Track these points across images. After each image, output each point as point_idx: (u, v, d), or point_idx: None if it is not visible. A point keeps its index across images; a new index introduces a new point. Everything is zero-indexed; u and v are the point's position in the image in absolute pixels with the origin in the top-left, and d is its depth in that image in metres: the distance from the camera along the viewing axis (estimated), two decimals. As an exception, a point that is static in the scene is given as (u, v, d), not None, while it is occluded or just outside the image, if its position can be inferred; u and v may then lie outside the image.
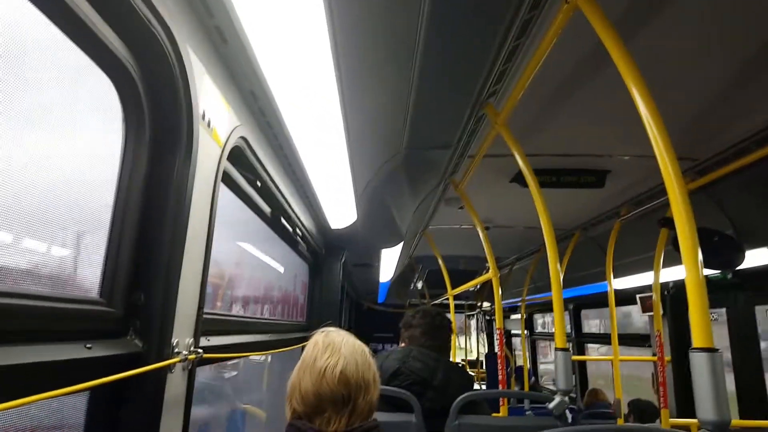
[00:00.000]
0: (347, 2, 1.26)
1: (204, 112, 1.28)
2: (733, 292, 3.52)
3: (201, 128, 1.26)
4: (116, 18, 0.97)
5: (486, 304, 10.56)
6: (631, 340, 5.27)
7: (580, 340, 6.35)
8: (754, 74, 1.91)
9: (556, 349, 2.07)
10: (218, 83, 1.39)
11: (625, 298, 4.42)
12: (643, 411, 3.99)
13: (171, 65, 1.11)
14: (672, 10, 1.57)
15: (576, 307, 6.32)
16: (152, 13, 1.00)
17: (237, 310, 2.37)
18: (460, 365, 9.44)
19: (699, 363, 1.10)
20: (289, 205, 2.60)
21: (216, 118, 1.37)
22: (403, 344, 2.22)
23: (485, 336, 11.24)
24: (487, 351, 10.56)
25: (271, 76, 1.53)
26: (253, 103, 1.70)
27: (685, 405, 4.02)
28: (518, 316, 7.63)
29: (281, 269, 3.28)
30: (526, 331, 7.81)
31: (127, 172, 1.10)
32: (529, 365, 7.81)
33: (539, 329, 8.72)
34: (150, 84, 1.12)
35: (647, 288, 4.02)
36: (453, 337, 2.29)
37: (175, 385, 1.21)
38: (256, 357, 3.01)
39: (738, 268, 3.07)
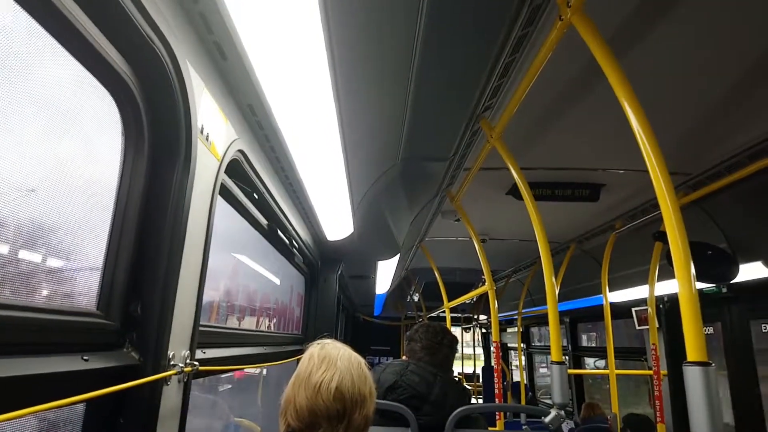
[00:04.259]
0: (344, 17, 1.28)
1: (202, 126, 1.29)
2: (727, 306, 3.53)
3: (199, 142, 1.27)
4: (118, 34, 0.98)
5: (482, 317, 10.54)
6: (627, 353, 5.26)
7: (576, 353, 6.34)
8: (747, 90, 1.94)
9: (552, 362, 2.07)
10: (217, 98, 1.40)
11: (621, 311, 4.42)
12: (639, 425, 3.98)
13: (171, 81, 1.12)
14: (665, 28, 1.60)
15: (572, 321, 6.31)
16: (153, 30, 1.02)
17: (233, 322, 2.37)
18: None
19: (693, 377, 1.11)
20: (286, 217, 2.60)
21: (214, 131, 1.39)
22: (404, 357, 2.21)
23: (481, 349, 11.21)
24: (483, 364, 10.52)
25: (268, 90, 1.54)
26: (250, 116, 1.72)
27: (682, 419, 4.00)
28: (515, 329, 7.62)
29: (277, 281, 3.27)
30: (522, 345, 7.81)
31: (125, 184, 1.11)
32: (525, 379, 7.79)
33: (536, 342, 8.70)
34: (150, 99, 1.13)
35: (642, 302, 4.03)
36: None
37: (170, 398, 1.20)
38: (251, 369, 3.00)
39: (732, 282, 3.08)
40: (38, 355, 0.85)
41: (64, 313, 0.93)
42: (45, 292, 0.93)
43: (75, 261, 1.02)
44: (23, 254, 0.86)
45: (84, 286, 1.03)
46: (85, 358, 0.95)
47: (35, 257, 0.90)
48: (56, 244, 0.95)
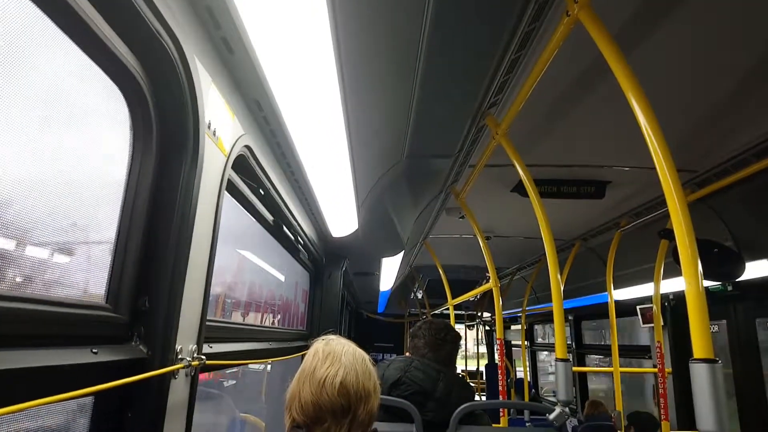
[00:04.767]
0: (351, 14, 1.28)
1: (210, 122, 1.29)
2: (733, 303, 3.52)
3: (207, 138, 1.27)
4: (126, 29, 0.99)
5: (486, 314, 10.53)
6: (632, 351, 5.25)
7: (580, 351, 6.34)
8: (753, 87, 1.93)
9: (557, 359, 2.07)
10: (224, 93, 1.41)
11: (626, 309, 4.42)
12: (643, 423, 3.97)
13: (179, 76, 1.13)
14: (672, 25, 1.60)
15: (576, 318, 6.31)
16: (162, 26, 1.03)
17: (238, 317, 2.38)
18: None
19: (699, 374, 1.11)
20: (291, 214, 2.61)
21: (221, 127, 1.39)
22: (407, 354, 2.21)
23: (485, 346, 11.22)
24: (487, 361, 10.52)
25: (275, 86, 1.55)
26: (257, 112, 1.72)
27: (686, 417, 4.00)
28: (519, 326, 7.62)
29: (282, 277, 3.28)
30: (526, 342, 7.80)
31: (134, 180, 1.11)
32: (529, 376, 7.79)
33: (539, 340, 8.69)
34: (158, 94, 1.14)
35: (648, 299, 4.02)
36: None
37: (178, 391, 1.21)
38: (256, 364, 3.01)
39: (738, 279, 3.07)
40: (48, 348, 0.85)
41: (73, 306, 0.94)
42: (55, 286, 0.94)
43: (84, 255, 1.03)
44: (33, 248, 0.87)
45: (93, 280, 1.04)
46: (94, 351, 0.95)
47: (45, 251, 0.91)
48: (66, 238, 0.95)
